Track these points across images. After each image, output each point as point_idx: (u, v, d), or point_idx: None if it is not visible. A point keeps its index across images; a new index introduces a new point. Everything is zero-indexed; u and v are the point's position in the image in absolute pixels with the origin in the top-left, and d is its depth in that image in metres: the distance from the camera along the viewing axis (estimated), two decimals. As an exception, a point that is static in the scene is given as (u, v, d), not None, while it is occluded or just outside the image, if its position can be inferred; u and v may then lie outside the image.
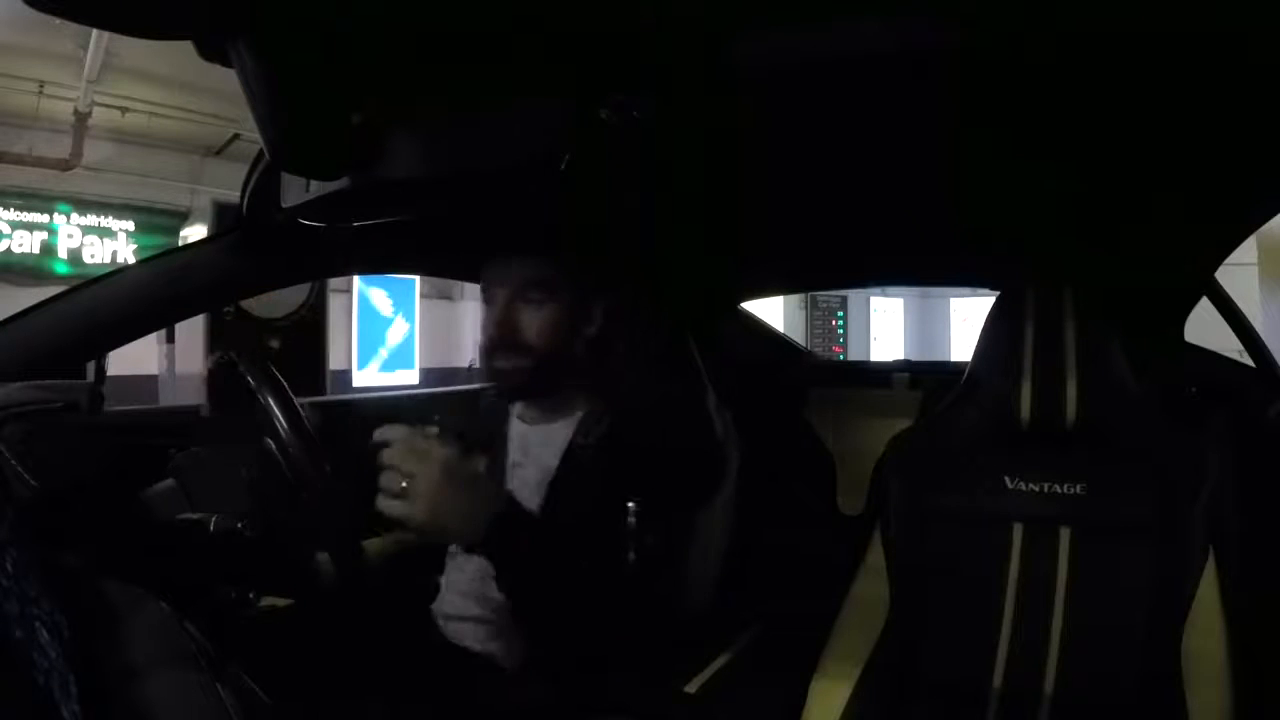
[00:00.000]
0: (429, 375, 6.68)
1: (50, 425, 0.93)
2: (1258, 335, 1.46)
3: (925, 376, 1.81)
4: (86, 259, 6.00)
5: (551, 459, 1.14)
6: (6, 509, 0.58)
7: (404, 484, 0.86)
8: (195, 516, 1.03)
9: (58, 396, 0.94)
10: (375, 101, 0.84)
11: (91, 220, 6.06)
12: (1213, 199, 1.15)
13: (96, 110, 5.29)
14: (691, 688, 1.07)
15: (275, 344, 3.87)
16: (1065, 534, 1.07)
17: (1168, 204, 1.17)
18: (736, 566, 1.27)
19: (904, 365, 1.99)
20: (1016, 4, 0.65)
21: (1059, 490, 1.09)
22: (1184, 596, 1.02)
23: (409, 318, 6.89)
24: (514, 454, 1.20)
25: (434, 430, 0.91)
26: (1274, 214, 1.18)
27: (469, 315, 7.00)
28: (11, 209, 5.70)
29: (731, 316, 2.07)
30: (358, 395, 3.59)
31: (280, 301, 3.81)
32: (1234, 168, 1.03)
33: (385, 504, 0.86)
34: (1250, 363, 1.46)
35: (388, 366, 6.74)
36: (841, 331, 9.68)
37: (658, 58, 0.75)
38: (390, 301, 6.77)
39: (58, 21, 0.62)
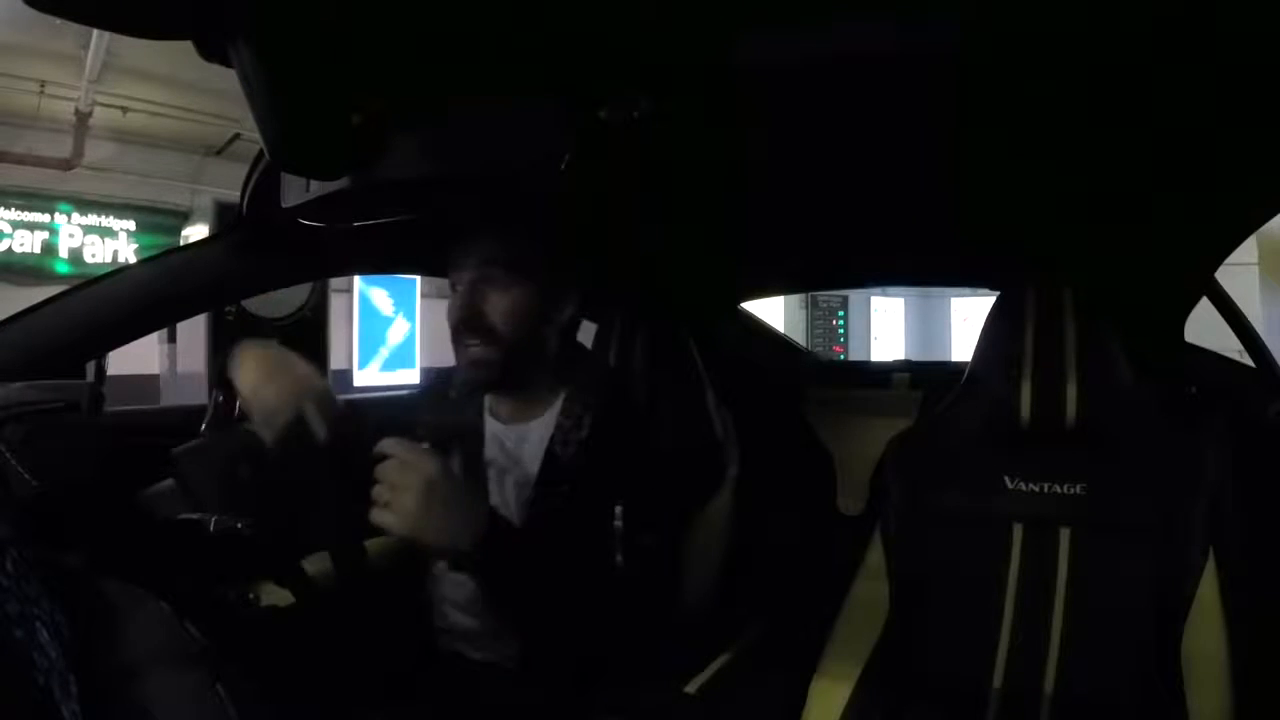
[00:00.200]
0: (430, 375, 6.63)
1: (50, 425, 0.93)
2: (1258, 335, 1.46)
3: (925, 376, 1.81)
4: (88, 259, 6.01)
5: (530, 462, 1.10)
6: (6, 509, 0.58)
7: (387, 498, 0.88)
8: (195, 516, 1.03)
9: (58, 396, 0.94)
10: (375, 101, 0.84)
11: (92, 220, 6.08)
12: (1213, 199, 1.15)
13: (98, 110, 5.29)
14: (691, 688, 1.06)
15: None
16: (1065, 534, 1.07)
17: (1168, 204, 1.17)
18: (736, 567, 1.27)
19: (904, 365, 1.99)
20: (1017, 4, 0.65)
21: (1059, 490, 1.09)
22: (1184, 596, 1.02)
23: (410, 317, 6.89)
24: (490, 452, 1.15)
25: (424, 445, 0.92)
26: (1274, 214, 1.18)
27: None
28: (13, 208, 5.72)
29: (731, 316, 2.06)
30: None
31: (282, 301, 3.80)
32: (1234, 168, 1.03)
33: (375, 515, 0.89)
34: (1250, 363, 1.46)
35: (388, 366, 6.74)
36: (842, 331, 9.67)
37: (658, 58, 0.75)
38: (391, 301, 6.78)
39: (58, 21, 0.62)
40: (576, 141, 0.79)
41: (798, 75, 0.77)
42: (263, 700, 0.67)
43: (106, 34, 3.95)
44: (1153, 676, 1.01)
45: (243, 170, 1.15)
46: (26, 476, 0.85)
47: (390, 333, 6.80)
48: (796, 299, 8.89)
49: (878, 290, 9.66)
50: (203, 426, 1.04)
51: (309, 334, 3.92)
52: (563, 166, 0.79)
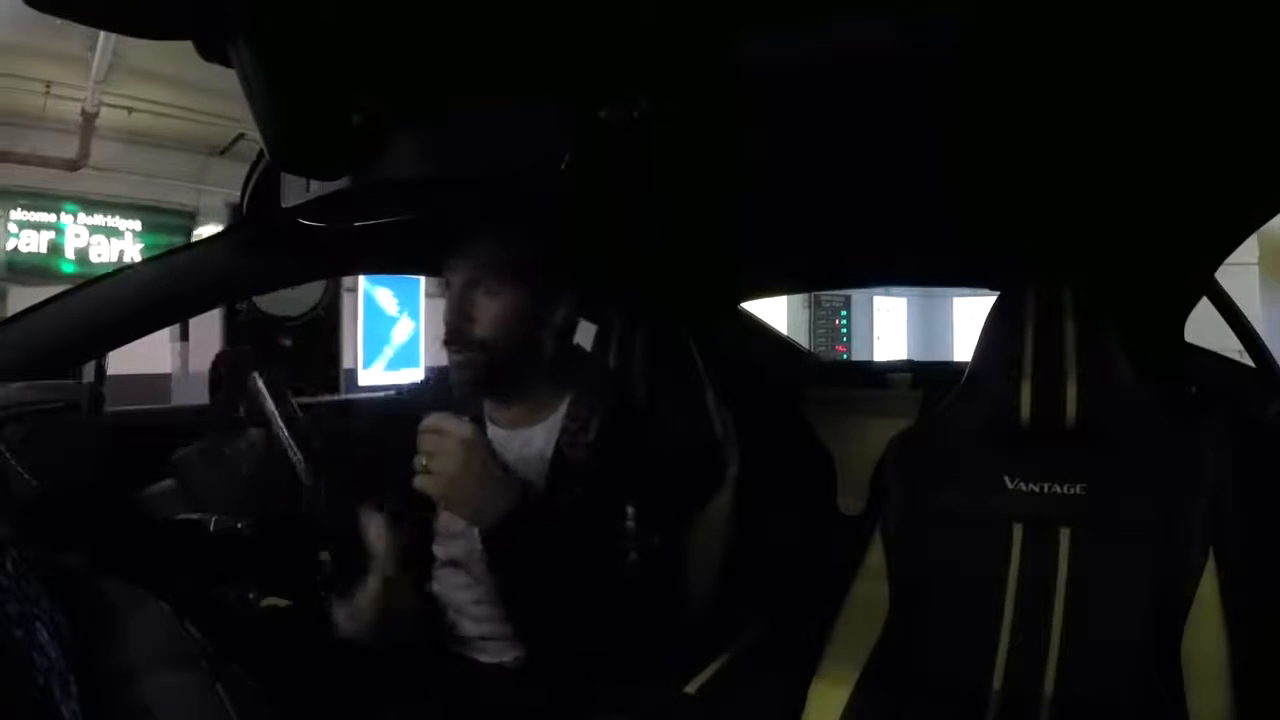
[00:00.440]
0: (435, 374, 6.62)
1: (50, 425, 0.93)
2: (1258, 335, 1.45)
3: (926, 376, 1.81)
4: (93, 258, 6.01)
5: (536, 468, 1.08)
6: (6, 509, 0.58)
7: (425, 461, 0.93)
8: (195, 516, 1.03)
9: (58, 396, 0.95)
10: (375, 101, 0.84)
11: (98, 220, 6.07)
12: (1213, 199, 1.15)
13: (103, 110, 5.30)
14: (691, 688, 1.06)
15: (288, 343, 3.88)
16: (1065, 534, 1.07)
17: (1168, 204, 1.17)
18: (736, 566, 1.27)
19: (904, 365, 1.99)
20: (1017, 4, 0.65)
21: (1059, 490, 1.09)
22: (1184, 597, 1.02)
23: (414, 317, 6.88)
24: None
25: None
26: (1274, 214, 1.18)
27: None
28: (19, 208, 5.72)
29: (731, 317, 2.06)
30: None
31: (295, 300, 3.81)
32: (1234, 168, 1.03)
33: (416, 481, 0.94)
34: (1250, 363, 1.46)
35: (393, 365, 6.74)
36: (845, 331, 9.65)
37: (658, 58, 0.75)
38: (395, 300, 6.78)
39: (59, 22, 0.62)
40: (576, 141, 0.79)
41: (798, 75, 0.77)
42: (263, 700, 0.67)
43: (113, 35, 3.96)
44: (1153, 677, 1.01)
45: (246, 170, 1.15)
46: (26, 476, 0.86)
47: (395, 332, 6.80)
48: (800, 299, 8.88)
49: (880, 290, 9.64)
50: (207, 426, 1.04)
51: (322, 334, 3.93)
52: (563, 166, 0.80)
